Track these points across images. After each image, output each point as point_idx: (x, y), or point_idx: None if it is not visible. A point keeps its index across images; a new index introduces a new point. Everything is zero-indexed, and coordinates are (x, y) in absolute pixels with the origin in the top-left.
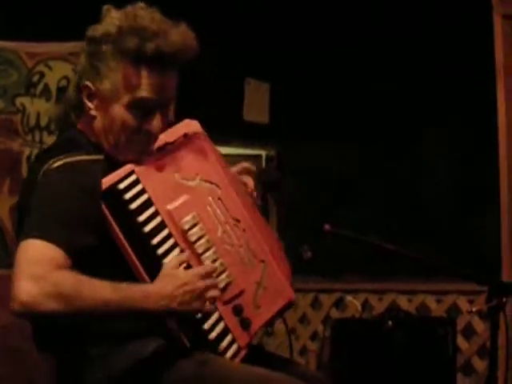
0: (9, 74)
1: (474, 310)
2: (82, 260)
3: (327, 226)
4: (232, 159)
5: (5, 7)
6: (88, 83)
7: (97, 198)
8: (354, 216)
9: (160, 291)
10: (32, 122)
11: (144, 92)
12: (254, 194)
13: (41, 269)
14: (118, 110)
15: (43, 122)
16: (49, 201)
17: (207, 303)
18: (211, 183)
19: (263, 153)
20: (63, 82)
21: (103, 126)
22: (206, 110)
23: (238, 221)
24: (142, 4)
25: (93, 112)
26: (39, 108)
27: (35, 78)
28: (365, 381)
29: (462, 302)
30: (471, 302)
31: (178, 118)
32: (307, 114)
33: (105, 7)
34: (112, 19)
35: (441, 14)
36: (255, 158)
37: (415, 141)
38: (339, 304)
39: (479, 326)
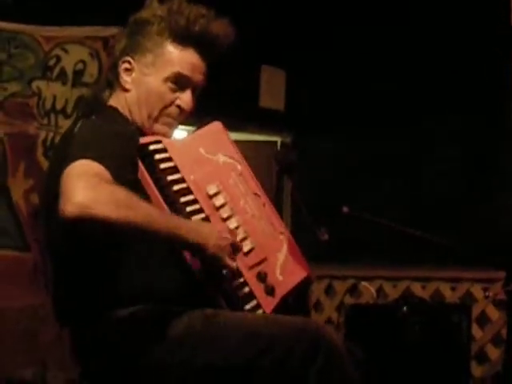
0: (25, 58)
1: (490, 294)
2: None
3: (345, 208)
4: (248, 145)
5: None
6: (128, 58)
7: (133, 145)
8: (368, 203)
9: (200, 228)
10: (48, 105)
11: (183, 68)
12: None
13: (94, 179)
14: (156, 83)
15: (59, 105)
16: (92, 139)
17: (233, 260)
18: (233, 159)
19: (278, 139)
20: (79, 66)
21: (138, 99)
22: (223, 97)
23: (257, 195)
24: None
25: (128, 85)
26: (55, 91)
27: (51, 62)
28: (379, 367)
29: (477, 290)
30: (486, 289)
31: (195, 104)
32: (322, 101)
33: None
34: (158, 7)
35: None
36: (271, 144)
37: (428, 128)
38: (353, 291)
39: (494, 314)
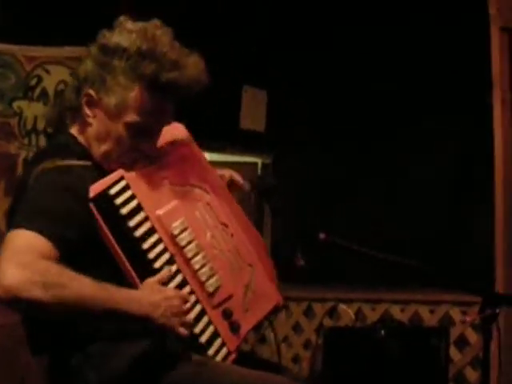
0: (7, 77)
1: (467, 319)
2: (67, 257)
3: (322, 235)
4: (228, 166)
5: (4, 10)
6: (91, 91)
7: (81, 199)
8: (348, 223)
9: (145, 298)
10: (29, 125)
11: (147, 117)
12: (245, 186)
13: (27, 257)
14: (117, 126)
15: (40, 125)
16: (35, 199)
17: (182, 326)
18: (199, 188)
19: (259, 160)
20: (61, 86)
21: (97, 135)
22: (204, 118)
23: (226, 225)
24: (157, 22)
25: (90, 120)
26: (36, 112)
27: (33, 82)
28: None
29: (455, 313)
30: (464, 312)
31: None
32: (303, 122)
33: (121, 17)
34: (129, 34)
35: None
36: (251, 166)
37: (409, 150)
38: (332, 313)
39: (472, 336)
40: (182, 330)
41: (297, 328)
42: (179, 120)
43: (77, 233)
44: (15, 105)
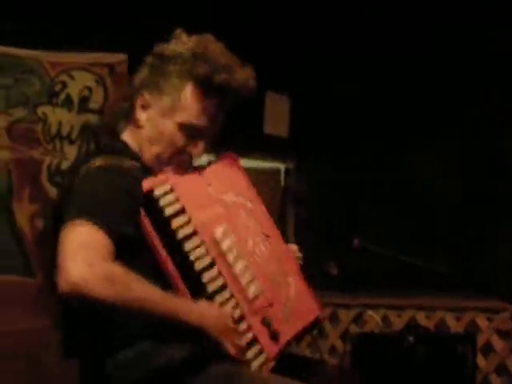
0: (31, 83)
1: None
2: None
3: (356, 241)
4: (251, 172)
5: (27, 17)
6: (145, 95)
7: (136, 199)
8: (375, 228)
9: (205, 310)
10: (53, 131)
11: (201, 119)
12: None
13: (91, 253)
14: (171, 127)
15: (64, 131)
16: (94, 194)
17: (234, 347)
18: (243, 197)
19: (282, 166)
20: (85, 92)
21: (150, 137)
22: (227, 123)
23: (267, 236)
24: (210, 36)
25: (142, 123)
26: (61, 117)
27: (57, 88)
28: None
29: (481, 320)
30: (490, 319)
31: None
32: (327, 127)
33: (177, 30)
34: (184, 43)
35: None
36: (274, 171)
37: (432, 151)
38: (358, 319)
39: (498, 343)
40: (233, 351)
41: (322, 334)
42: None
43: (132, 230)
44: (39, 110)
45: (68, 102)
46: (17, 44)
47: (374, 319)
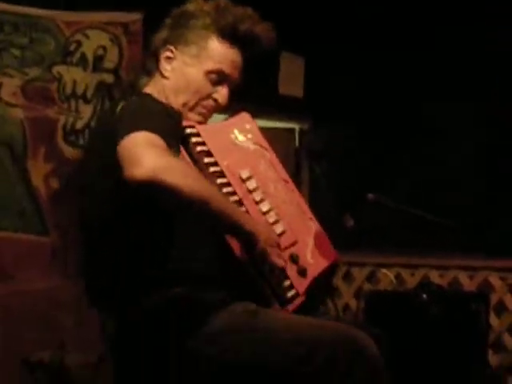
0: (46, 43)
1: None
2: None
3: (370, 195)
4: (266, 131)
5: None
6: (171, 47)
7: (177, 123)
8: (391, 188)
9: (259, 220)
10: (68, 90)
11: (225, 65)
12: None
13: (160, 149)
14: (197, 74)
15: (79, 90)
16: (142, 114)
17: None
18: (261, 147)
19: (297, 126)
20: (100, 51)
21: (176, 86)
22: (242, 83)
23: (286, 182)
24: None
25: (168, 73)
26: (75, 76)
27: (72, 47)
28: (397, 352)
29: (494, 279)
30: (503, 278)
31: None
32: (342, 87)
33: None
34: (204, 3)
35: None
36: (288, 131)
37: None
38: (371, 277)
39: (511, 303)
40: (279, 261)
41: (335, 292)
42: None
43: (177, 151)
44: (54, 70)
45: (83, 61)
46: (32, 4)
47: (387, 277)
